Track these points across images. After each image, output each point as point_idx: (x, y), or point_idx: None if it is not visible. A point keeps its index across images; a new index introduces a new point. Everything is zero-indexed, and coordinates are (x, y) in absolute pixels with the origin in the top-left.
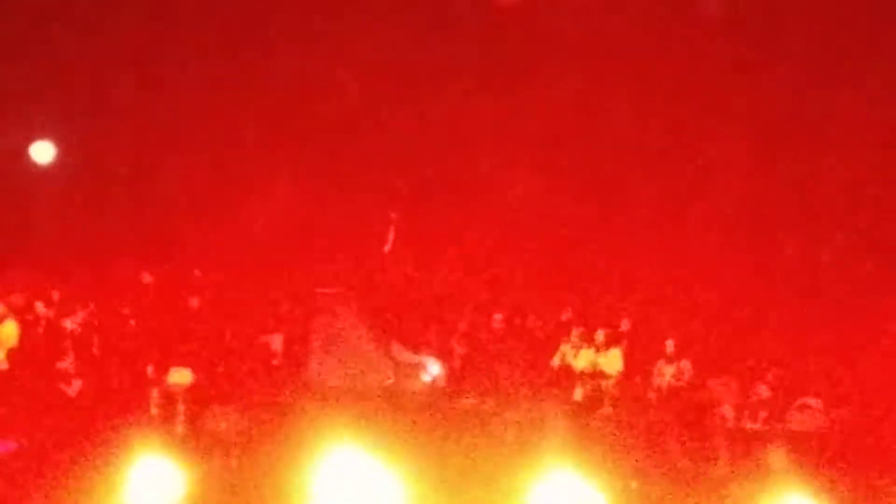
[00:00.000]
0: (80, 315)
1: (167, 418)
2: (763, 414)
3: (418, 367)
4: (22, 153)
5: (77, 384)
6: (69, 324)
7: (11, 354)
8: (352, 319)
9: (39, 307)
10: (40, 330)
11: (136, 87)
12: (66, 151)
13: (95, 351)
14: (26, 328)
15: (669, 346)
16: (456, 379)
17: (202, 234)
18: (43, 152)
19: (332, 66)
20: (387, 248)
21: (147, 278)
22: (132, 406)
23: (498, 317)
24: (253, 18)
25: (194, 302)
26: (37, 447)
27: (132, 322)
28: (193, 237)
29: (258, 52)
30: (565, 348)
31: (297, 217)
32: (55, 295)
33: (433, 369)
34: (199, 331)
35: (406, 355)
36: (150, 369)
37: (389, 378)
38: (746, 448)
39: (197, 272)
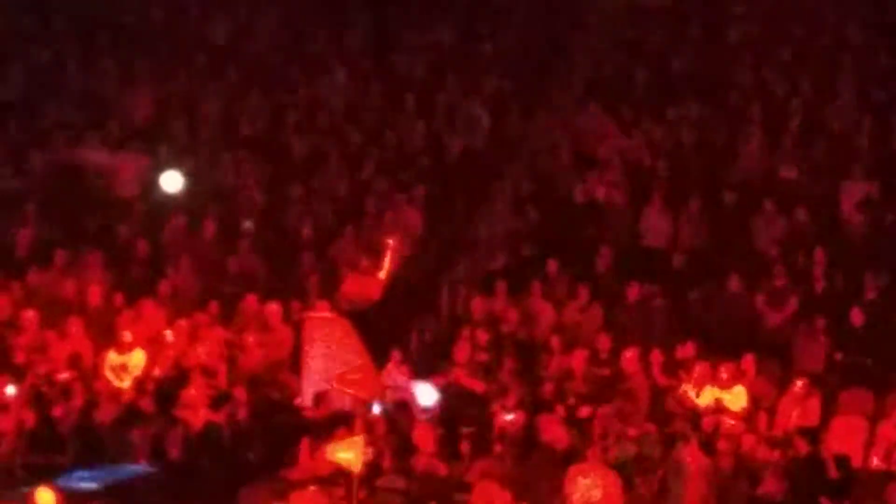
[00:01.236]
0: (207, 344)
1: None
2: (893, 454)
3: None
4: (152, 183)
5: (203, 413)
6: (197, 353)
7: (138, 383)
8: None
9: (168, 336)
10: (168, 359)
11: (265, 118)
12: (195, 181)
13: (222, 380)
14: (154, 356)
15: (797, 384)
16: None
17: (329, 267)
18: (172, 182)
19: (461, 99)
20: (381, 273)
21: (274, 309)
22: (259, 434)
23: (628, 353)
24: (379, 53)
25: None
26: (163, 478)
27: (259, 352)
28: (320, 269)
29: (387, 86)
30: (687, 386)
31: (423, 251)
32: (184, 324)
33: (427, 398)
34: None
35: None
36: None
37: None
38: (875, 489)
39: (322, 304)
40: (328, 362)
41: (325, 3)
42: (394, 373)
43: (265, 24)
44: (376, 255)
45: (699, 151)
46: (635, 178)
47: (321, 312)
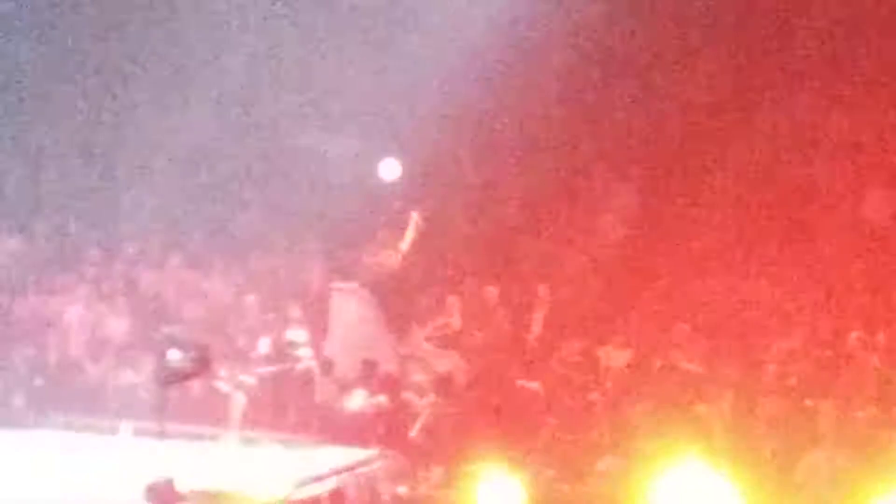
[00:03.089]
0: (429, 327)
1: None
2: None
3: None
4: (371, 171)
5: (427, 400)
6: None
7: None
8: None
9: None
10: None
11: (480, 99)
12: (412, 167)
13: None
14: None
15: None
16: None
17: (546, 248)
18: (390, 170)
19: (679, 80)
20: (403, 245)
21: (491, 292)
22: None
23: (854, 335)
24: (597, 34)
25: (538, 317)
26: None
27: (477, 335)
28: (538, 251)
29: (605, 67)
30: None
31: (640, 231)
32: None
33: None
34: (540, 346)
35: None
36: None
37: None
38: None
39: (542, 287)
40: (348, 332)
41: None
42: (415, 344)
43: (482, 6)
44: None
45: None
46: (857, 158)
47: (346, 284)
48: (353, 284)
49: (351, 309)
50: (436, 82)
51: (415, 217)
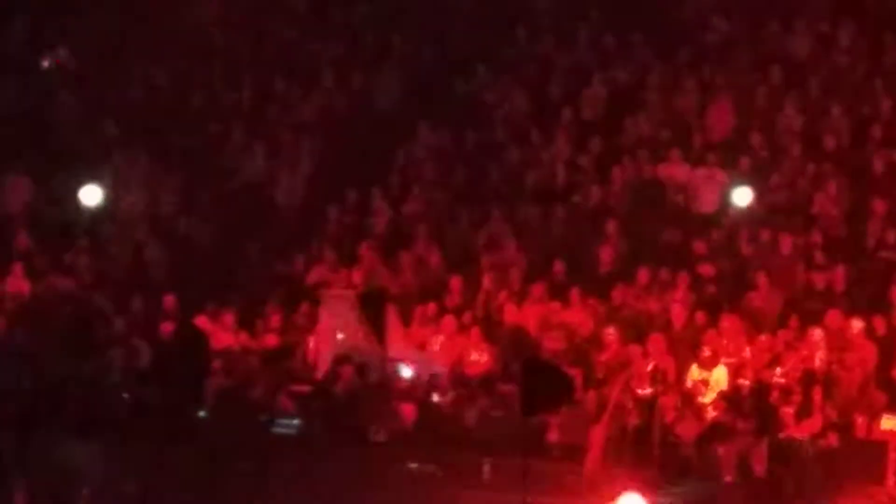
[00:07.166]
0: (787, 361)
1: None
2: None
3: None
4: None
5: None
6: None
7: (721, 399)
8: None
9: (746, 353)
10: (749, 375)
11: (847, 131)
12: (774, 195)
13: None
14: (736, 372)
15: None
16: None
17: None
18: (742, 197)
19: None
20: None
21: (856, 325)
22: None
23: None
24: None
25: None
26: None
27: (842, 370)
28: None
29: None
30: None
31: None
32: (764, 340)
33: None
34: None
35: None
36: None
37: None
38: None
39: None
40: (338, 336)
41: None
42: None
43: (845, 35)
44: None
45: None
46: None
47: (337, 290)
48: (342, 291)
49: (338, 314)
50: (801, 112)
51: None
